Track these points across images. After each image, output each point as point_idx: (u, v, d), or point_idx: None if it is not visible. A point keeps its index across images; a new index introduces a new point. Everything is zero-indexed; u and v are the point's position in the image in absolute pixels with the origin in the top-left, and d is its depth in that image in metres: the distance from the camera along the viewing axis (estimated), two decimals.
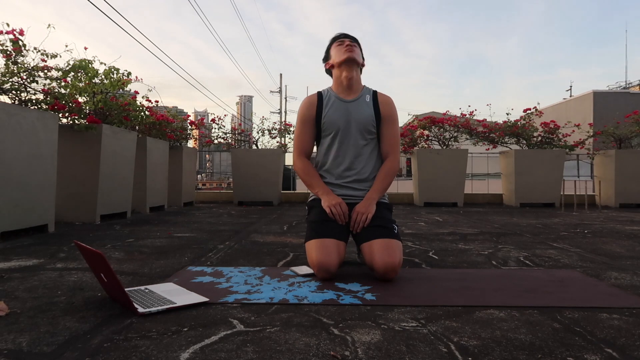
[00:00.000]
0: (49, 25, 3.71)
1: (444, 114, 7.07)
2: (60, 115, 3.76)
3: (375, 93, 2.16)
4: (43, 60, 3.67)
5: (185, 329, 1.22)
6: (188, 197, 6.52)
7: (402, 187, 8.25)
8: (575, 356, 1.06)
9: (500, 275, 1.94)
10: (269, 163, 6.69)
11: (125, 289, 1.42)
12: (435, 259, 2.33)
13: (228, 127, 7.65)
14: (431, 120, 6.99)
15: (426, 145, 7.23)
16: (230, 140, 7.63)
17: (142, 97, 5.20)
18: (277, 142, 7.46)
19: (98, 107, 4.06)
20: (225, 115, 7.42)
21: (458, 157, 6.54)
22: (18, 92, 3.52)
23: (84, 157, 3.90)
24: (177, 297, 1.50)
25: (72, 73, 3.92)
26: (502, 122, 7.09)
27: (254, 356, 1.05)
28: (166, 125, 5.63)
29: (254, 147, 7.46)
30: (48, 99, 3.61)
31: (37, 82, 3.61)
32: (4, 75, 3.40)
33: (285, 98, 46.09)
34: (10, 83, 3.45)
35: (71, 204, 3.90)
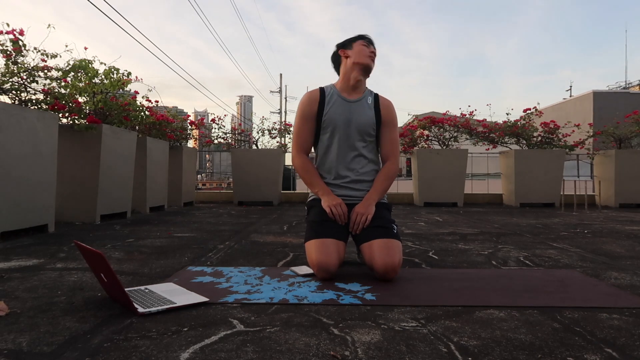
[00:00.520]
0: (49, 25, 3.71)
1: (444, 114, 7.07)
2: (60, 115, 3.76)
3: (376, 96, 2.15)
4: (43, 60, 3.68)
5: (185, 329, 1.22)
6: (188, 197, 6.52)
7: (402, 187, 8.25)
8: (575, 356, 1.06)
9: (500, 275, 1.94)
10: (269, 163, 6.69)
11: (125, 289, 1.42)
12: (435, 259, 2.33)
13: (228, 127, 7.66)
14: (431, 120, 6.99)
15: (426, 145, 7.23)
16: (230, 140, 7.63)
17: (142, 97, 5.21)
18: (277, 142, 7.47)
19: (98, 107, 4.06)
20: (225, 115, 7.42)
21: (458, 157, 6.54)
22: (18, 92, 3.52)
23: (84, 157, 3.90)
24: (177, 297, 1.50)
25: (72, 73, 3.92)
26: (502, 122, 7.09)
27: (254, 356, 1.05)
28: (166, 125, 5.63)
29: (254, 147, 7.46)
30: (48, 99, 3.61)
31: (37, 82, 3.61)
32: (4, 75, 3.40)
33: (285, 98, 46.10)
34: (10, 83, 3.45)
35: (71, 204, 3.90)
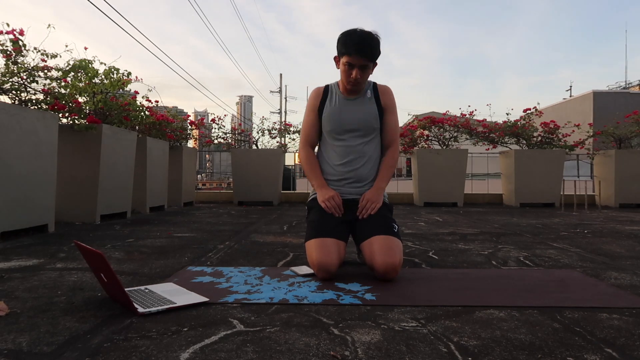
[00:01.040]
0: (49, 25, 3.71)
1: (444, 114, 7.07)
2: (60, 115, 3.76)
3: (374, 85, 2.15)
4: (43, 60, 3.67)
5: (185, 329, 1.22)
6: (188, 197, 6.52)
7: (402, 187, 8.25)
8: (575, 356, 1.06)
9: (500, 275, 1.94)
10: (269, 163, 6.69)
11: (125, 289, 1.42)
12: (435, 259, 2.33)
13: (228, 127, 7.66)
14: (431, 120, 6.99)
15: (426, 145, 7.23)
16: (230, 140, 7.63)
17: (142, 97, 5.21)
18: (277, 142, 7.47)
19: (98, 107, 4.06)
20: (225, 115, 7.42)
21: (458, 157, 6.54)
22: (18, 92, 3.52)
23: (84, 157, 3.90)
24: (177, 297, 1.50)
25: (72, 73, 3.92)
26: (502, 122, 7.09)
27: (253, 356, 1.05)
28: (166, 125, 5.63)
29: (254, 147, 7.46)
30: (48, 99, 3.61)
31: (37, 82, 3.61)
32: (4, 75, 3.40)
33: (285, 98, 46.10)
34: (10, 83, 3.45)
35: (71, 204, 3.90)
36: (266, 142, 8.01)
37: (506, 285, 1.75)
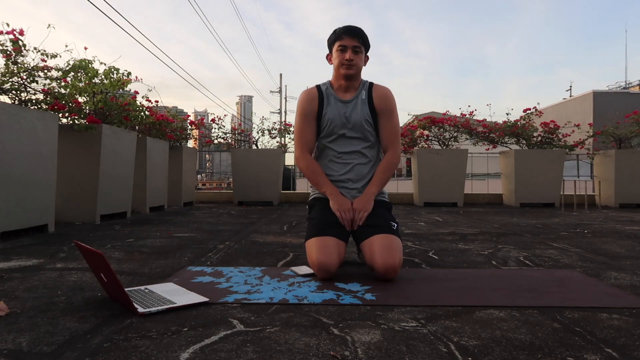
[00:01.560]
0: (49, 25, 3.71)
1: (444, 114, 7.07)
2: (60, 115, 3.76)
3: (371, 87, 2.10)
4: (43, 60, 3.67)
5: (185, 329, 1.22)
6: (188, 197, 6.52)
7: (402, 187, 8.25)
8: (575, 356, 1.06)
9: (500, 275, 1.94)
10: (269, 163, 6.69)
11: (125, 289, 1.42)
12: (435, 259, 2.33)
13: (228, 127, 7.66)
14: (431, 120, 6.99)
15: (426, 145, 7.23)
16: (230, 140, 7.63)
17: (142, 97, 5.21)
18: (277, 142, 7.47)
19: (98, 107, 4.06)
20: (225, 115, 7.42)
21: (458, 157, 6.54)
22: (18, 92, 3.52)
23: (84, 157, 3.90)
24: (177, 297, 1.50)
25: (72, 73, 3.92)
26: (502, 122, 7.09)
27: (253, 356, 1.05)
28: (166, 125, 5.63)
29: (254, 147, 7.46)
30: (48, 99, 3.61)
31: (37, 82, 3.61)
32: (4, 75, 3.40)
33: (285, 98, 46.09)
34: (10, 83, 3.45)
35: (71, 204, 3.90)
36: (266, 142, 8.01)
37: (506, 285, 1.75)
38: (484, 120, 7.17)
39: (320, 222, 1.94)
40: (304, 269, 1.96)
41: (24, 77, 3.51)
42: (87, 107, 4.06)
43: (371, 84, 2.12)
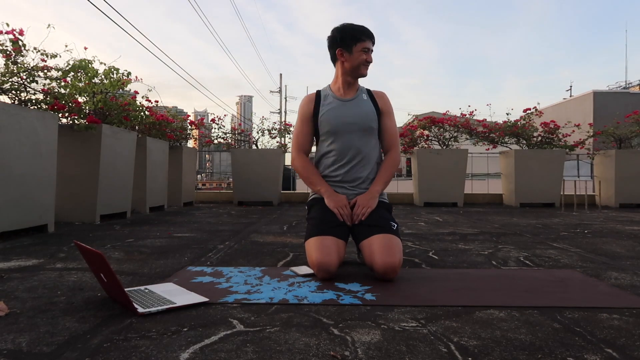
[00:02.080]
0: (49, 25, 3.71)
1: (444, 114, 7.07)
2: (60, 115, 3.76)
3: (369, 91, 2.19)
4: (43, 60, 3.67)
5: (185, 329, 1.22)
6: (188, 197, 6.52)
7: (402, 187, 8.25)
8: (575, 356, 1.06)
9: (500, 275, 1.94)
10: (269, 163, 6.69)
11: (125, 289, 1.42)
12: (435, 259, 2.33)
13: (228, 127, 7.66)
14: (431, 120, 6.99)
15: (426, 145, 7.23)
16: (230, 140, 7.63)
17: (142, 97, 5.21)
18: (277, 142, 7.47)
19: (98, 107, 4.06)
20: (225, 115, 7.42)
21: (458, 157, 6.54)
22: (18, 92, 3.51)
23: (84, 157, 3.90)
24: (177, 297, 1.50)
25: (72, 73, 3.92)
26: (502, 122, 7.09)
27: (253, 356, 1.05)
28: (166, 125, 5.63)
29: (254, 147, 7.46)
30: (48, 99, 3.61)
31: (37, 82, 3.61)
32: (4, 75, 3.40)
33: (285, 98, 46.09)
34: (10, 83, 3.45)
35: (71, 204, 3.90)
36: (266, 142, 8.01)
37: (506, 285, 1.75)
38: (484, 120, 7.17)
39: (320, 222, 1.94)
40: (304, 269, 1.96)
41: (24, 77, 3.51)
42: (87, 107, 4.06)
43: (368, 89, 2.20)
